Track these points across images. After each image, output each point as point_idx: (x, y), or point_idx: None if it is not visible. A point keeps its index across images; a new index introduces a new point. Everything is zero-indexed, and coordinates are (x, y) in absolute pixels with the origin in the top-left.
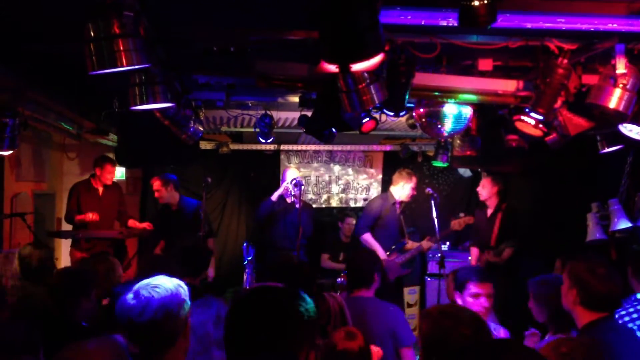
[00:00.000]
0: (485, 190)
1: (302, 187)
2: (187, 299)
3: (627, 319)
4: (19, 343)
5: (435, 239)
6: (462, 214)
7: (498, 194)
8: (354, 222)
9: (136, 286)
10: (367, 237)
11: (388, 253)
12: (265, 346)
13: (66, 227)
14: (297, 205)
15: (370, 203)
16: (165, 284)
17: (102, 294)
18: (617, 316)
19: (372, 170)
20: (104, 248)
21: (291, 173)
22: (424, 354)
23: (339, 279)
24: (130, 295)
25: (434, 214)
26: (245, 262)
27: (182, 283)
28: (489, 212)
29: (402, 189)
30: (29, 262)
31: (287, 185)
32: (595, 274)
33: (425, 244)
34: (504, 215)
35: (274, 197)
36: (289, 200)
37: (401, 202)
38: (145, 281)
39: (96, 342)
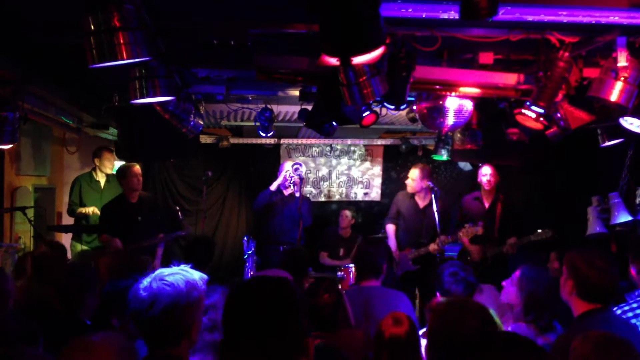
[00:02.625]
0: (494, 179)
1: (302, 173)
2: (201, 298)
3: (630, 314)
4: (17, 333)
5: (441, 240)
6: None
7: (498, 185)
8: (350, 214)
9: (153, 275)
10: (388, 229)
11: (401, 248)
12: (261, 332)
13: (67, 220)
14: (297, 194)
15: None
16: (179, 281)
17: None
18: (620, 312)
19: (373, 164)
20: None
21: (288, 165)
22: (430, 346)
23: (340, 273)
24: (143, 285)
25: (435, 208)
26: (246, 256)
27: (199, 281)
28: (487, 203)
29: (407, 183)
30: (41, 262)
31: (286, 173)
32: (592, 266)
33: (432, 247)
34: (504, 206)
35: (273, 187)
36: (286, 192)
37: (427, 200)
38: (163, 271)
39: (102, 336)
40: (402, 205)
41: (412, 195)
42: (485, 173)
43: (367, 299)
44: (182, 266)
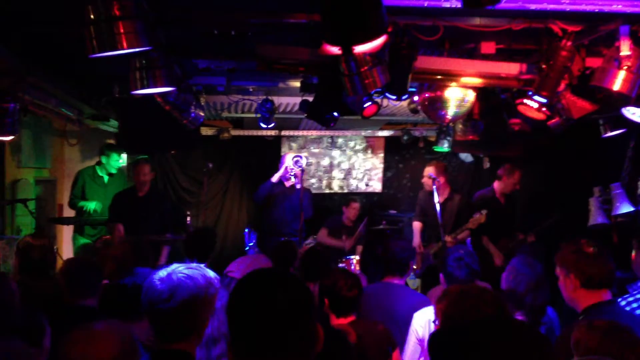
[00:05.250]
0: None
1: (304, 165)
2: (215, 296)
3: (634, 305)
4: (21, 328)
5: (453, 236)
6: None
7: None
8: (359, 206)
9: (169, 268)
10: (414, 226)
11: (425, 243)
12: (278, 325)
13: (68, 213)
14: (298, 186)
15: None
16: (197, 275)
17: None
18: (624, 302)
19: (374, 156)
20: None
21: (289, 158)
22: (443, 332)
23: (341, 264)
24: (159, 276)
25: (436, 199)
26: (247, 248)
27: (215, 279)
28: (503, 199)
29: (424, 182)
30: (28, 255)
31: (287, 165)
32: (585, 253)
33: (449, 243)
34: (513, 202)
35: (274, 179)
36: (287, 184)
37: (447, 195)
38: (179, 266)
39: (104, 323)
40: (424, 203)
41: (432, 192)
42: (518, 179)
43: (389, 295)
44: (195, 264)
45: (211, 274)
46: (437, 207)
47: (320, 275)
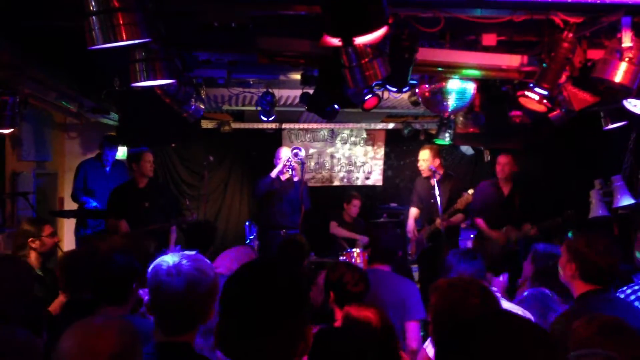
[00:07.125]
0: (508, 167)
1: (303, 157)
2: (215, 286)
3: (632, 297)
4: (21, 320)
5: (444, 216)
6: (464, 194)
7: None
8: (359, 204)
9: (174, 259)
10: (410, 212)
11: (419, 229)
12: (266, 319)
13: (69, 206)
14: (296, 179)
15: None
16: (206, 269)
17: None
18: (629, 291)
19: (375, 149)
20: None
21: (285, 151)
22: (434, 326)
23: (342, 258)
24: (168, 272)
25: (437, 192)
26: (248, 241)
27: (211, 270)
28: (506, 189)
29: (420, 167)
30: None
31: (285, 159)
32: (595, 248)
33: (438, 221)
34: (524, 193)
35: (273, 174)
36: (283, 177)
37: (440, 177)
38: (180, 261)
39: (103, 318)
40: (419, 187)
41: (428, 178)
42: (500, 162)
43: (376, 282)
44: (193, 254)
45: (207, 264)
46: (438, 199)
47: (297, 266)
